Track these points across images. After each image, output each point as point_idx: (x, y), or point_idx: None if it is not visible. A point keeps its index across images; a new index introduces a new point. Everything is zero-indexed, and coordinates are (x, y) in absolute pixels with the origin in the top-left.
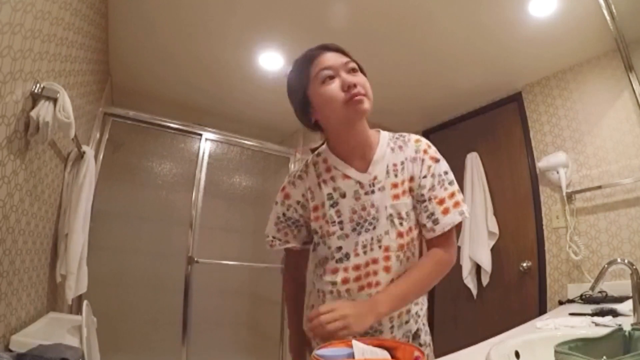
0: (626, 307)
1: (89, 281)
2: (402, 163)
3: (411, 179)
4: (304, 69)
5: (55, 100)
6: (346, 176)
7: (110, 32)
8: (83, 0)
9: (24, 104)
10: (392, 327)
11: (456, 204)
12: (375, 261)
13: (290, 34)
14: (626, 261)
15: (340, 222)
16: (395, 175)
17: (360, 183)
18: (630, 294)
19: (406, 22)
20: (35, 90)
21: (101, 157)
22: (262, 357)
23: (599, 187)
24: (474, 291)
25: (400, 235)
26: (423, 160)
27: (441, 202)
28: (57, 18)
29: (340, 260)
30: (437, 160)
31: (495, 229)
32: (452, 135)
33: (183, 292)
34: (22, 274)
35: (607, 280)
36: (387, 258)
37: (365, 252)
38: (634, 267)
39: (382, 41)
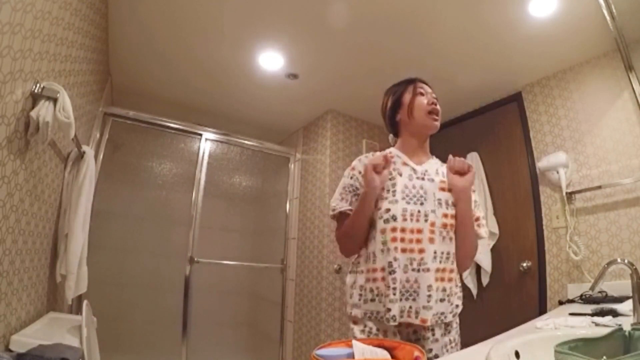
0: (626, 307)
1: (89, 281)
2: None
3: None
4: (406, 84)
5: (55, 100)
6: (405, 163)
7: (110, 32)
8: (83, 0)
9: (24, 104)
10: (430, 298)
11: (479, 226)
12: (420, 231)
13: (290, 34)
14: (626, 261)
15: (394, 192)
16: (443, 176)
17: (414, 170)
18: (630, 294)
19: (407, 21)
20: (35, 90)
21: (101, 157)
22: (262, 357)
23: (599, 187)
24: (474, 291)
25: (445, 216)
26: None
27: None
28: (57, 18)
29: (387, 221)
30: (474, 191)
31: (495, 229)
32: (452, 135)
33: (183, 292)
34: (22, 274)
35: (607, 280)
36: (432, 231)
37: (412, 220)
38: (634, 267)
39: (383, 40)
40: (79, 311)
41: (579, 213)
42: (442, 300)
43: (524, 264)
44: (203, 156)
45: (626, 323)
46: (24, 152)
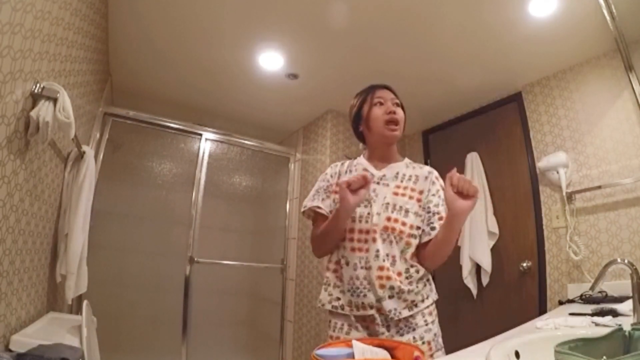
0: (626, 307)
1: (89, 281)
2: (416, 177)
3: (421, 192)
4: (365, 94)
5: (55, 100)
6: (364, 169)
7: (110, 32)
8: (83, 0)
9: (24, 104)
10: (376, 294)
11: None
12: (367, 232)
13: (290, 34)
14: (626, 261)
15: None
16: (402, 181)
17: (372, 175)
18: (630, 294)
19: (407, 21)
20: (35, 90)
21: (101, 157)
22: (262, 356)
23: (599, 187)
24: (474, 291)
25: (388, 219)
26: (434, 182)
27: (441, 218)
28: (57, 18)
29: None
30: (443, 189)
31: (495, 229)
32: (452, 135)
33: (183, 292)
34: (22, 274)
35: (607, 280)
36: (375, 232)
37: (360, 221)
38: (634, 267)
39: (383, 40)
40: (79, 311)
41: (579, 213)
42: (390, 297)
43: (524, 264)
44: (203, 156)
45: (626, 323)
46: (24, 152)
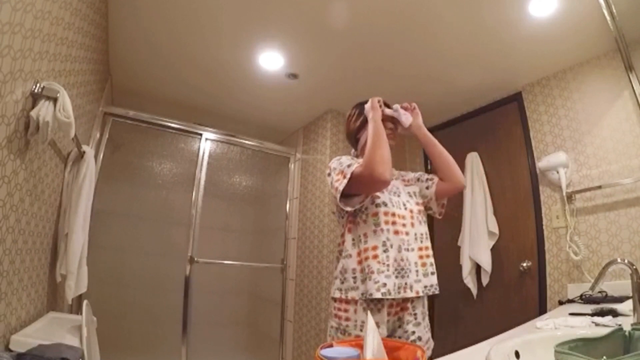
0: (626, 307)
1: (89, 281)
2: (406, 174)
3: (410, 179)
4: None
5: (55, 100)
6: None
7: (110, 32)
8: (83, 0)
9: (24, 104)
10: (417, 273)
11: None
12: (403, 217)
13: (290, 34)
14: (626, 261)
15: None
16: (402, 176)
17: None
18: (630, 294)
19: (406, 21)
20: (35, 90)
21: (101, 157)
22: (262, 356)
23: (599, 187)
24: (474, 291)
25: (417, 204)
26: (419, 177)
27: (426, 180)
28: (57, 18)
29: (378, 205)
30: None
31: (495, 228)
32: (452, 134)
33: (183, 292)
34: (22, 274)
35: (607, 280)
36: (412, 217)
37: (394, 206)
38: (634, 267)
39: (383, 40)
40: (79, 311)
41: (579, 213)
42: (432, 273)
43: (524, 264)
44: (203, 156)
45: (626, 323)
46: (24, 152)
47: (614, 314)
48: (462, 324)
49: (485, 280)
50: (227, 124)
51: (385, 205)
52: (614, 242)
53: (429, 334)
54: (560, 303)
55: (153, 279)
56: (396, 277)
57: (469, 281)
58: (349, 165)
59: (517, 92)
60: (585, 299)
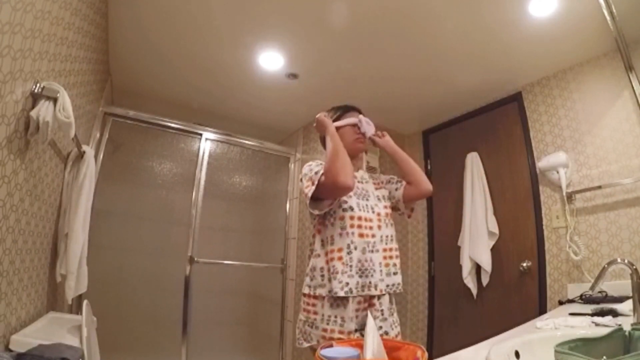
0: (626, 307)
1: (89, 281)
2: (378, 177)
3: (381, 182)
4: (343, 111)
5: (55, 100)
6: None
7: (110, 32)
8: (83, 0)
9: (24, 104)
10: (381, 273)
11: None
12: (370, 220)
13: (290, 34)
14: (626, 261)
15: None
16: (371, 178)
17: (354, 175)
18: (630, 294)
19: (407, 21)
20: (35, 90)
21: (101, 157)
22: (262, 356)
23: (599, 187)
24: (474, 291)
25: (385, 207)
26: (390, 179)
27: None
28: (57, 18)
29: (345, 210)
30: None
31: (495, 229)
32: (452, 135)
33: (183, 292)
34: (22, 274)
35: (607, 280)
36: (379, 219)
37: (361, 210)
38: (634, 267)
39: (383, 39)
40: (79, 311)
41: (579, 213)
42: (395, 273)
43: (524, 264)
44: (203, 156)
45: (626, 323)
46: (24, 151)
47: (614, 314)
48: (462, 324)
49: (485, 280)
50: (227, 124)
51: (352, 209)
52: (614, 242)
53: (398, 329)
54: (560, 303)
55: (153, 279)
56: (360, 276)
57: (469, 281)
58: (316, 173)
59: (517, 92)
60: (585, 299)
